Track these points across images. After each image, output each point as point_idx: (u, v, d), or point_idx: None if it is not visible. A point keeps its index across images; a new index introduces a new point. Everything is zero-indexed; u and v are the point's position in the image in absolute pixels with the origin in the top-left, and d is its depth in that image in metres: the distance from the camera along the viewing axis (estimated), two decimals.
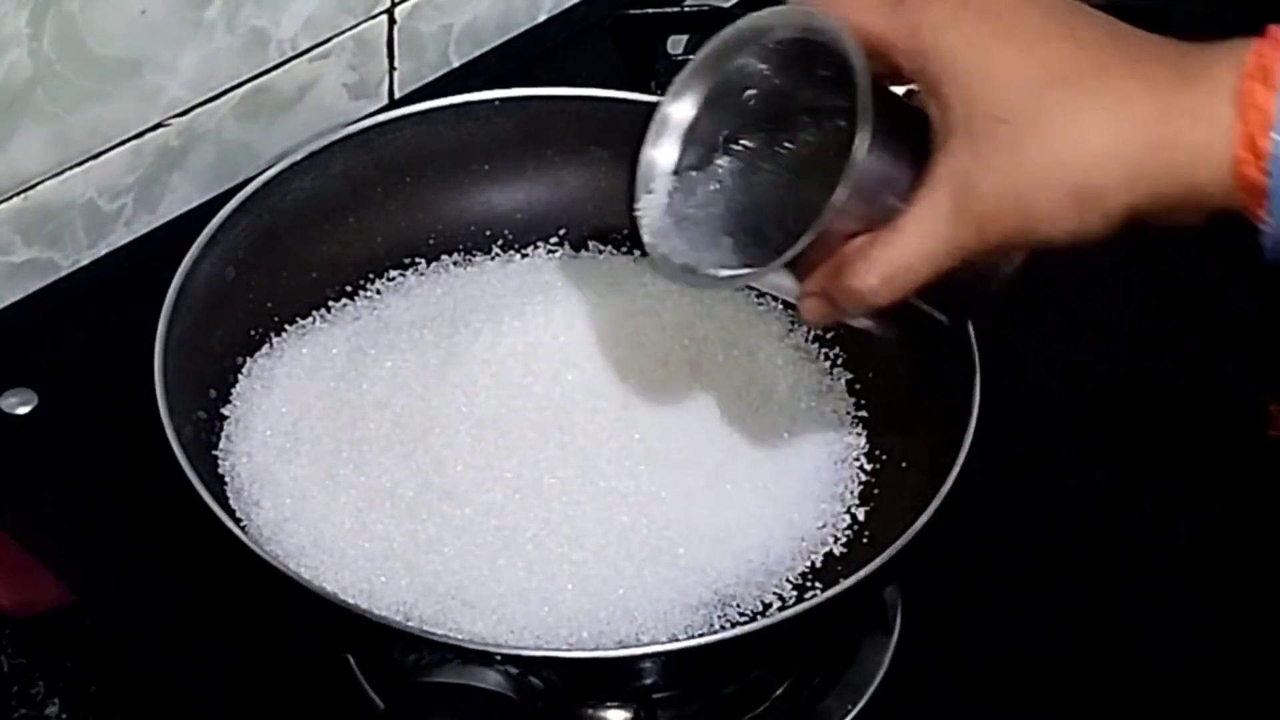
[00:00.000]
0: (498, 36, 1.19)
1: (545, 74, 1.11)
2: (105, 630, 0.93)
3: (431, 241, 1.00)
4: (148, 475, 0.85)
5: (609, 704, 0.88)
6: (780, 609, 0.86)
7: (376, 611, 0.82)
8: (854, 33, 0.75)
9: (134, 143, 1.04)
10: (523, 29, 1.19)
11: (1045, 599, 0.95)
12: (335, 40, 1.10)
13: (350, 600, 0.83)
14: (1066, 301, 1.07)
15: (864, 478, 0.91)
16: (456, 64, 1.17)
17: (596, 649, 0.83)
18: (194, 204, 1.08)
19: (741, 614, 0.85)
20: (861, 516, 0.90)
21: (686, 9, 1.14)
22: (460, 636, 0.80)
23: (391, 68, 1.14)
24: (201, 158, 1.07)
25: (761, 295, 0.98)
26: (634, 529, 0.87)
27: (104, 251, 1.06)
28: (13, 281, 1.03)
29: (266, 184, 0.95)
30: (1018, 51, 0.73)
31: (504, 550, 0.85)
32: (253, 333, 0.95)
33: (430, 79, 1.16)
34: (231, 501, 0.88)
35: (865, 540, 0.89)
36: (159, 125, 1.04)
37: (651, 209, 0.82)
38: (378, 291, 0.98)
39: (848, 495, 0.91)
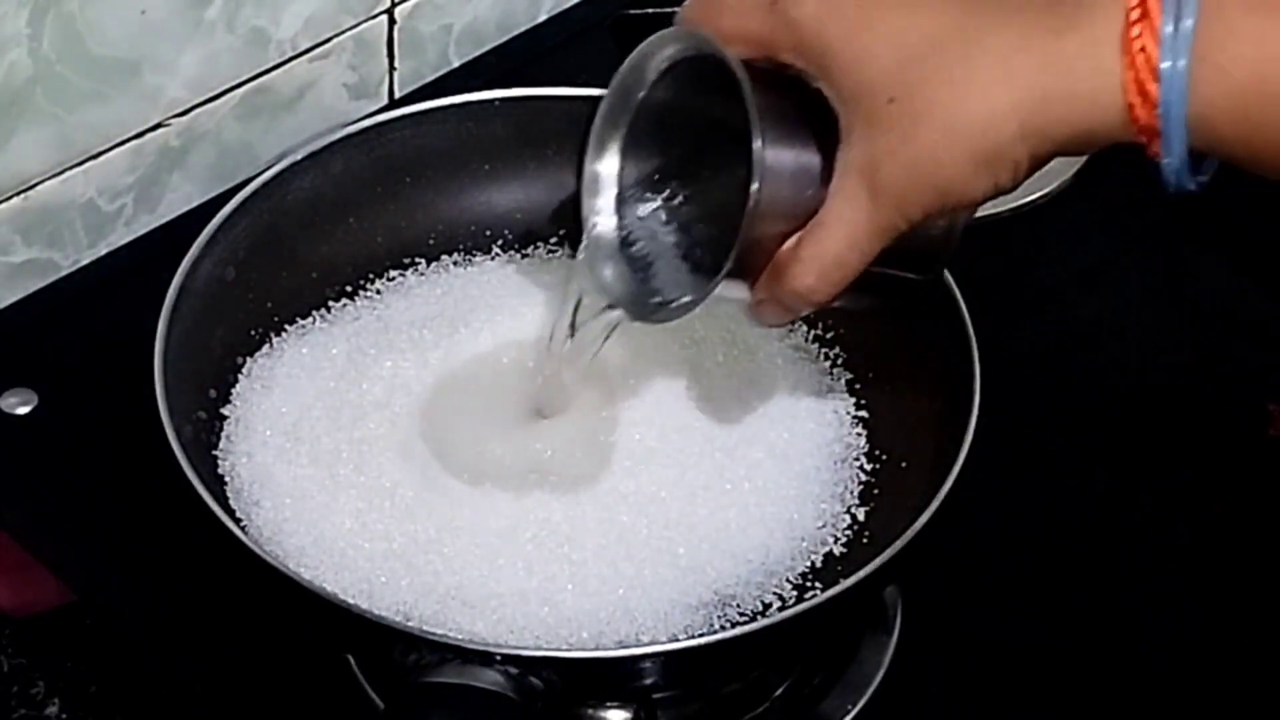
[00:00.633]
0: (498, 36, 1.19)
1: (545, 74, 1.10)
2: (105, 630, 0.93)
3: (431, 241, 1.00)
4: (148, 475, 0.85)
5: (609, 704, 0.88)
6: (780, 609, 0.85)
7: (376, 611, 0.82)
8: (737, 39, 0.76)
9: (134, 143, 1.04)
10: (523, 29, 1.19)
11: (1045, 599, 0.95)
12: (335, 40, 1.10)
13: (350, 600, 0.83)
14: (1066, 301, 1.08)
15: (864, 478, 0.91)
16: (456, 64, 1.17)
17: (596, 649, 0.83)
18: (194, 204, 1.08)
19: (741, 614, 0.85)
20: (861, 516, 0.90)
21: None
22: (460, 636, 0.80)
23: (391, 68, 1.14)
24: (201, 158, 1.07)
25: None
26: (634, 529, 0.87)
27: (104, 251, 1.06)
28: (13, 281, 1.03)
29: (266, 184, 0.95)
30: (894, 28, 0.73)
31: (504, 550, 0.85)
32: (253, 333, 0.95)
33: (430, 79, 1.16)
34: (231, 502, 0.87)
35: (865, 540, 0.89)
36: (159, 125, 1.04)
37: (601, 259, 0.84)
38: (378, 291, 0.98)
39: (848, 495, 0.91)
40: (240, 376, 0.93)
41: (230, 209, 0.93)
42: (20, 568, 0.93)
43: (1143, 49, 0.69)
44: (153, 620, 0.92)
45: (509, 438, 0.89)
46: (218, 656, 0.91)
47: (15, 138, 0.98)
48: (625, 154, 0.84)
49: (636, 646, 0.83)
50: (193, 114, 1.05)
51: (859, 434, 0.93)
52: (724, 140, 0.78)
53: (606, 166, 0.84)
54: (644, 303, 0.83)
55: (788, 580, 0.87)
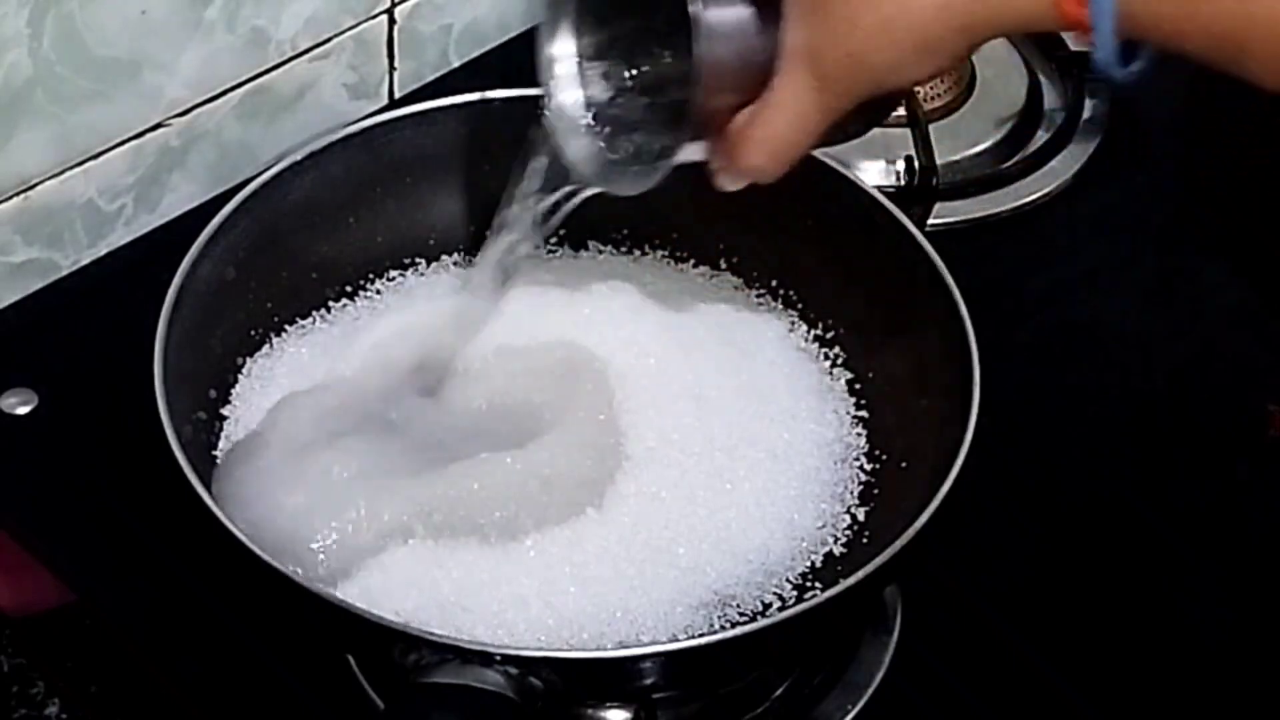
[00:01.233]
0: (498, 36, 1.19)
1: None
2: (105, 630, 0.93)
3: (431, 241, 1.00)
4: (148, 475, 0.85)
5: (609, 704, 0.88)
6: (780, 609, 0.86)
7: (376, 612, 0.82)
8: None
9: (134, 143, 1.04)
10: (522, 29, 1.19)
11: (1045, 599, 0.95)
12: (335, 40, 1.10)
13: (350, 600, 0.83)
14: (1066, 302, 1.07)
15: (864, 478, 0.91)
16: (456, 64, 1.17)
17: (597, 649, 0.83)
18: (194, 204, 1.08)
19: (741, 614, 0.85)
20: (861, 516, 0.90)
21: None
22: (460, 637, 0.80)
23: (391, 68, 1.14)
24: (201, 158, 1.07)
25: (761, 295, 0.98)
26: (634, 529, 0.87)
27: (104, 251, 1.06)
28: (13, 281, 1.03)
29: (266, 184, 0.95)
30: None
31: (505, 552, 0.85)
32: (253, 333, 0.95)
33: (430, 79, 1.16)
34: None
35: (865, 540, 0.89)
36: (159, 125, 1.04)
37: (564, 129, 0.86)
38: (378, 291, 0.98)
39: (848, 495, 0.91)
40: (240, 376, 0.93)
41: (230, 209, 0.93)
42: (20, 568, 0.93)
43: None
44: (153, 620, 0.92)
45: (509, 438, 0.89)
46: (218, 656, 0.90)
47: (15, 138, 0.98)
48: (579, 31, 0.86)
49: (636, 647, 0.83)
50: (193, 114, 1.05)
51: (859, 434, 0.93)
52: (673, 13, 0.79)
53: (561, 47, 0.86)
54: (607, 171, 0.85)
55: (788, 580, 0.87)
